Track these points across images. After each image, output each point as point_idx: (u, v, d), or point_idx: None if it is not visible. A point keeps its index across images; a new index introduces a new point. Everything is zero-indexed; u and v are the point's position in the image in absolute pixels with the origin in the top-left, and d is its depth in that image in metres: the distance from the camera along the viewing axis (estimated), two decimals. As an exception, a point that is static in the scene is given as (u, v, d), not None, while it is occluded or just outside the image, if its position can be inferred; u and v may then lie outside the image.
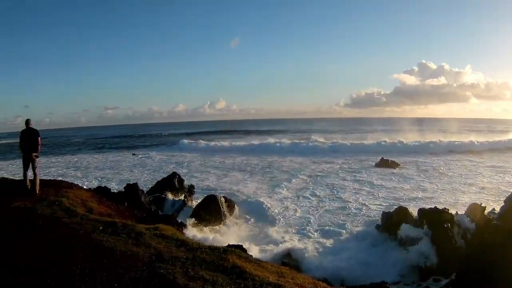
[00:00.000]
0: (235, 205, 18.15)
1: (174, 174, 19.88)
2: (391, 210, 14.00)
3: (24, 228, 5.51)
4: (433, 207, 12.41)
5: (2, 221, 5.73)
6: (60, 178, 15.38)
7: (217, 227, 15.80)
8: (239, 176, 24.52)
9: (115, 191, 16.15)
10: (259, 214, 16.63)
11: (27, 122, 8.75)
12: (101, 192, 13.93)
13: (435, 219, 11.53)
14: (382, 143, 39.31)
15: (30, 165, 8.74)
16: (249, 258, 5.47)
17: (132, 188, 15.80)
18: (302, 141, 44.12)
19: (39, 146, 8.84)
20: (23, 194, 7.96)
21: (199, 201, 17.40)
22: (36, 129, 8.86)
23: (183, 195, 18.43)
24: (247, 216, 16.94)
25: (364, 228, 14.81)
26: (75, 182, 14.18)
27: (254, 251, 11.69)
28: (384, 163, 26.84)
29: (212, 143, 46.68)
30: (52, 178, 13.39)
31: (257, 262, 5.42)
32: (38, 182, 8.91)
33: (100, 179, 24.24)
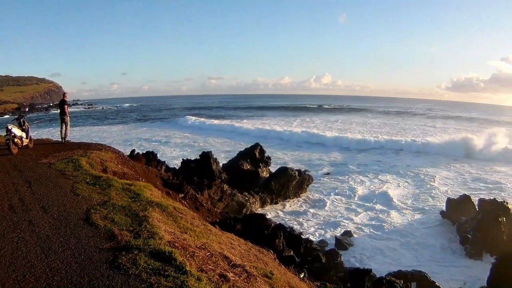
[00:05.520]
0: (310, 180, 18.34)
1: (256, 145, 19.69)
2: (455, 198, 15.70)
3: (38, 177, 8.15)
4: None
5: (28, 173, 8.51)
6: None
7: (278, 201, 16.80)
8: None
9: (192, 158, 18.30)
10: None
11: (63, 94, 13.25)
12: (147, 156, 16.93)
13: (489, 209, 12.74)
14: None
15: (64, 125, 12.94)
16: (172, 213, 7.08)
17: (205, 156, 17.26)
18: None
19: (67, 111, 12.89)
20: (56, 153, 10.93)
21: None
22: (66, 100, 12.99)
23: (258, 165, 18.83)
24: (319, 194, 17.71)
25: (428, 213, 16.17)
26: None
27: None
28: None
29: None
30: (95, 142, 15.49)
31: (178, 217, 7.01)
32: (65, 137, 13.15)
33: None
